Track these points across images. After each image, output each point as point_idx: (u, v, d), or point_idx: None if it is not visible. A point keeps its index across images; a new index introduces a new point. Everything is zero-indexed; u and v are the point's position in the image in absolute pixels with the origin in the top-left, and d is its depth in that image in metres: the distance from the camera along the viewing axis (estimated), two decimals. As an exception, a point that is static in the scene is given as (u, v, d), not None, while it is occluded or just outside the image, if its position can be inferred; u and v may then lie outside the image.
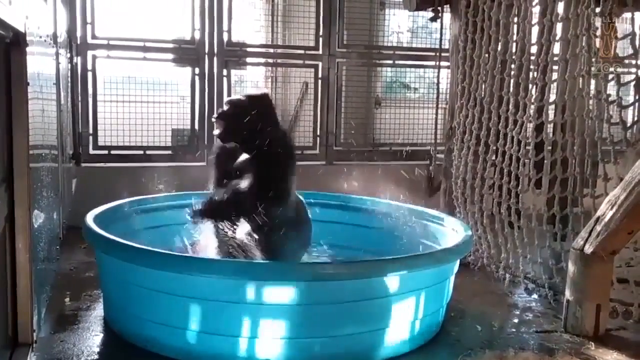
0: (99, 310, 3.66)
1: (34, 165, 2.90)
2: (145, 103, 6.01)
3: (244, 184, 3.46)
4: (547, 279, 4.14)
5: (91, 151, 5.91)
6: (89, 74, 5.82)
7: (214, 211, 3.54)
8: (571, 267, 3.59)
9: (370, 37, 6.72)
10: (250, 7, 6.50)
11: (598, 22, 3.72)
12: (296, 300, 2.96)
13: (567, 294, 3.61)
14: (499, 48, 4.63)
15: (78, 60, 5.75)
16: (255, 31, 6.56)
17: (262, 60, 6.56)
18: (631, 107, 4.07)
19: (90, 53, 5.81)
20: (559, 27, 4.09)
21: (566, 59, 3.97)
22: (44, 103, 3.48)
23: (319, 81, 6.50)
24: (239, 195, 3.45)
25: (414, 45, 7.04)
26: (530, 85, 4.34)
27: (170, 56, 6.04)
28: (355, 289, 3.04)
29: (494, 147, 4.65)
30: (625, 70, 4.76)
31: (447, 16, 5.53)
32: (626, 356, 3.29)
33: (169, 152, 6.06)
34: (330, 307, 3.02)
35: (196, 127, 6.11)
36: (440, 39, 5.79)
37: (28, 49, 2.75)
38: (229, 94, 6.09)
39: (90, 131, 5.88)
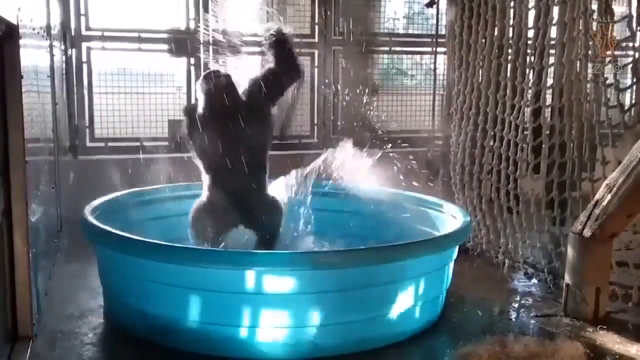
0: (99, 303, 3.66)
1: (30, 159, 2.89)
2: (142, 94, 5.99)
3: None
4: (546, 264, 4.14)
5: (88, 143, 5.89)
6: (84, 66, 5.79)
7: None
8: (570, 251, 3.59)
9: (366, 24, 6.68)
10: (245, -4, 6.46)
11: (594, 5, 3.70)
12: (297, 289, 2.97)
13: (567, 278, 3.61)
14: (496, 33, 4.61)
15: (72, 52, 5.72)
16: (250, 20, 6.52)
17: (258, 48, 6.51)
18: (629, 90, 4.05)
19: (84, 45, 5.78)
20: (555, 10, 4.06)
21: (563, 42, 3.95)
22: (39, 96, 3.46)
23: (316, 69, 6.47)
24: None
25: (410, 32, 7.01)
26: (527, 70, 4.32)
27: (165, 47, 6.00)
28: (354, 276, 3.04)
29: (492, 133, 4.64)
30: (623, 53, 4.75)
31: (443, 2, 5.50)
32: (626, 339, 3.30)
33: (166, 143, 6.04)
34: (328, 295, 3.02)
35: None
36: (437, 25, 5.77)
37: (21, 42, 2.74)
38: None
39: (87, 123, 5.86)
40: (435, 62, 5.91)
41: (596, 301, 3.51)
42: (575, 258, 3.55)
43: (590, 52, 3.69)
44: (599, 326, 3.44)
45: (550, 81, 4.17)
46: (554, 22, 4.06)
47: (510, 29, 4.50)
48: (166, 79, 6.19)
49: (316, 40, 6.43)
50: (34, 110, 3.19)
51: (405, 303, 3.21)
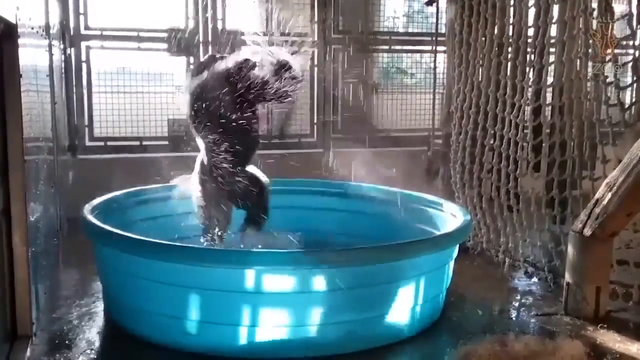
0: (98, 302, 3.66)
1: (29, 158, 2.89)
2: (141, 93, 5.99)
3: None
4: (546, 262, 4.14)
5: (87, 143, 5.89)
6: (83, 65, 5.78)
7: None
8: (570, 250, 3.59)
9: (365, 22, 6.68)
10: (244, -6, 6.46)
11: (595, 3, 3.69)
12: (296, 288, 2.96)
13: (567, 277, 3.61)
14: (496, 31, 4.61)
15: (71, 51, 5.72)
16: (249, 18, 6.52)
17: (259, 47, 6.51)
18: (629, 88, 4.05)
19: (83, 44, 5.77)
20: (555, 8, 4.06)
21: (563, 40, 3.95)
22: (38, 95, 3.46)
23: (315, 68, 6.47)
24: None
25: (410, 30, 7.00)
26: (527, 68, 4.32)
27: (164, 46, 6.00)
28: (353, 275, 3.04)
29: (492, 131, 4.63)
30: (623, 51, 4.74)
31: (443, 0, 5.49)
32: (627, 337, 3.29)
33: (166, 142, 6.03)
34: (328, 294, 3.01)
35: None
36: (437, 23, 5.75)
37: (20, 41, 2.73)
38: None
39: (86, 123, 5.86)
40: (435, 61, 5.90)
41: (596, 300, 3.51)
42: (576, 257, 3.55)
43: (590, 50, 3.68)
44: (599, 325, 3.43)
45: (550, 79, 4.17)
46: (554, 20, 4.06)
47: (510, 27, 4.50)
48: (165, 78, 6.19)
49: (315, 39, 6.42)
50: (33, 110, 3.18)
51: (406, 302, 3.20)
